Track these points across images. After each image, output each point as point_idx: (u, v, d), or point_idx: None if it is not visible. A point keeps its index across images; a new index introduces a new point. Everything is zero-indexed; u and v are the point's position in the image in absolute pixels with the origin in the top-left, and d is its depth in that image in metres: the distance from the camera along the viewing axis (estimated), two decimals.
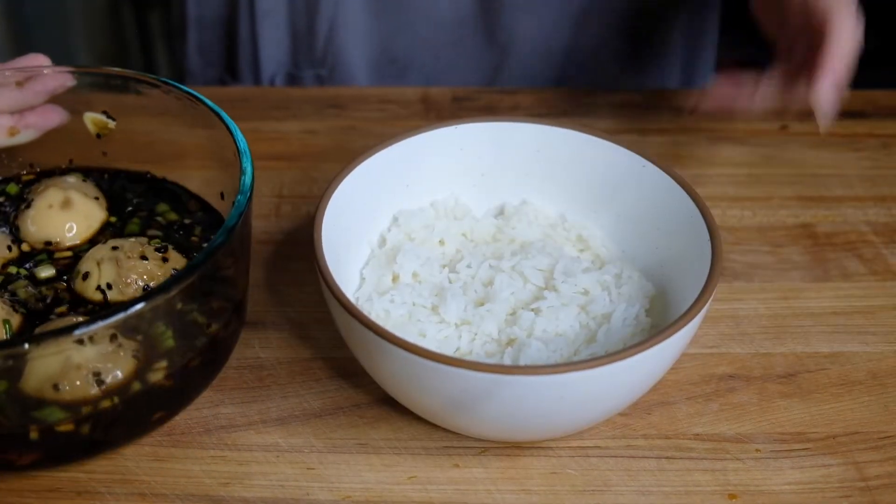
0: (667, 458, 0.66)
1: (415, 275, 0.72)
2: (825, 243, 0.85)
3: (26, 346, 0.54)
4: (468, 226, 0.77)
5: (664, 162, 0.73)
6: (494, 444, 0.67)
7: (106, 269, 0.67)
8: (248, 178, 0.65)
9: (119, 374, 0.59)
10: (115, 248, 0.68)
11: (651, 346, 0.58)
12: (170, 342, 0.60)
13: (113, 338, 0.57)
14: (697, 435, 0.68)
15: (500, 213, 0.79)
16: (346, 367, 0.72)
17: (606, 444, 0.67)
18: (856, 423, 0.69)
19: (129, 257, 0.67)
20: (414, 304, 0.68)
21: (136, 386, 0.60)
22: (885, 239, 0.85)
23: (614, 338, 0.66)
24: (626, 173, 0.74)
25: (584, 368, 0.56)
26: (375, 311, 0.68)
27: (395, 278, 0.72)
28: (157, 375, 0.60)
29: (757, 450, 0.67)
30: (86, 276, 0.67)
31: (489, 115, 0.89)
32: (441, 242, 0.75)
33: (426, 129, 0.76)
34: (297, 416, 0.69)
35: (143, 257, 0.67)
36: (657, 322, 0.69)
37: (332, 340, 0.74)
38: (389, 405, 0.69)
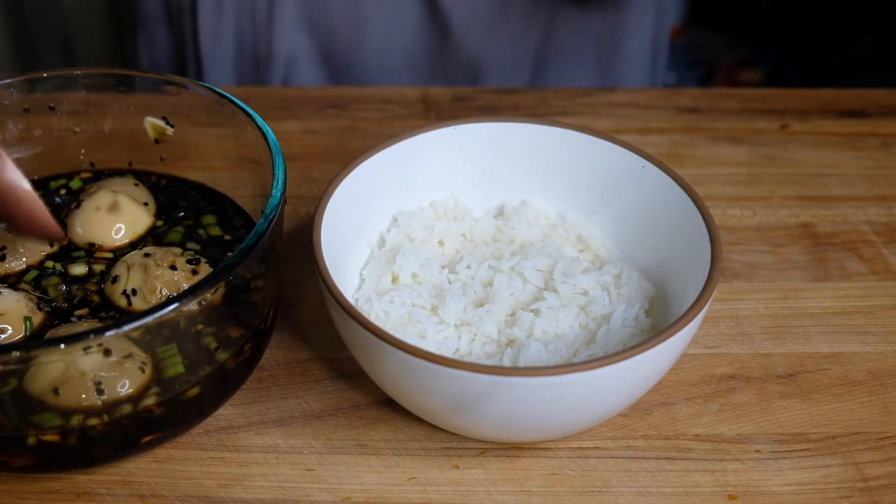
0: (666, 458, 0.66)
1: (414, 275, 0.71)
2: (825, 243, 0.85)
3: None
4: (468, 226, 0.76)
5: (664, 162, 0.73)
6: (494, 445, 0.67)
7: (134, 275, 0.66)
8: (274, 200, 0.64)
9: (121, 388, 0.58)
10: (147, 254, 0.67)
11: (651, 347, 0.58)
12: (179, 367, 0.60)
13: (107, 353, 0.57)
14: (697, 435, 0.68)
15: (500, 213, 0.79)
16: (345, 368, 0.72)
17: (606, 444, 0.67)
18: (856, 424, 0.69)
19: (158, 265, 0.66)
20: (413, 305, 0.68)
21: (127, 408, 0.59)
22: (886, 239, 0.85)
23: (614, 338, 0.66)
24: (626, 173, 0.74)
25: (583, 370, 0.56)
26: (375, 312, 0.68)
27: (394, 279, 0.72)
28: (149, 401, 0.60)
29: (757, 450, 0.67)
30: (115, 279, 0.67)
31: (489, 115, 0.89)
32: (440, 243, 0.75)
33: (426, 129, 0.75)
34: (296, 417, 0.69)
35: (173, 267, 0.66)
36: (657, 322, 0.69)
37: (332, 341, 0.74)
38: (389, 406, 0.69)
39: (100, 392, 0.57)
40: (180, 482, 0.64)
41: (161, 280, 0.66)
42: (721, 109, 1.02)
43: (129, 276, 0.66)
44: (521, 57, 1.12)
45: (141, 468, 0.65)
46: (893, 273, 0.82)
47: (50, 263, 0.70)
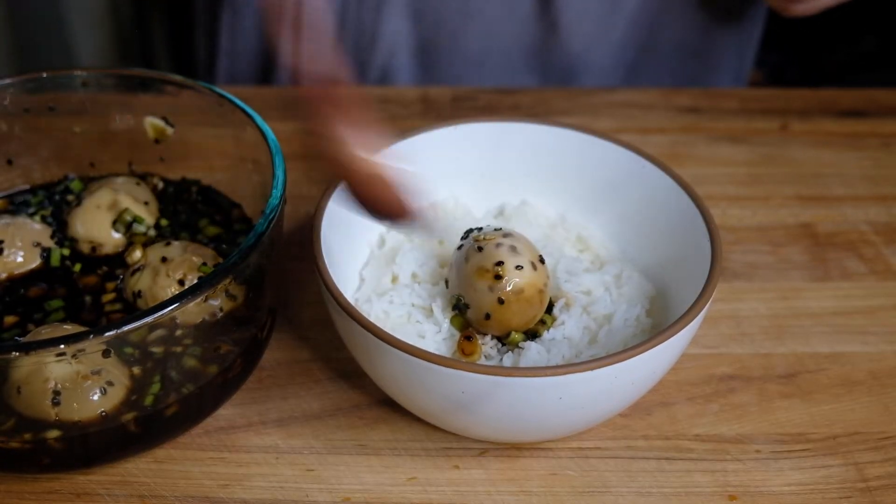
0: (666, 458, 0.66)
1: (414, 276, 0.71)
2: (825, 243, 0.85)
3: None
4: (468, 226, 0.76)
5: (664, 162, 0.73)
6: (494, 446, 0.67)
7: (145, 277, 0.66)
8: (273, 201, 0.64)
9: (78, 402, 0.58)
10: (164, 258, 0.67)
11: (651, 347, 0.57)
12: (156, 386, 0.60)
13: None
14: (697, 436, 0.68)
15: (500, 213, 0.79)
16: (345, 369, 0.72)
17: (606, 444, 0.67)
18: (856, 424, 0.69)
19: (167, 276, 0.66)
20: (413, 305, 0.68)
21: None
22: (886, 238, 0.85)
23: (615, 338, 0.66)
24: (626, 173, 0.74)
25: (583, 370, 0.56)
26: (374, 313, 0.68)
27: (394, 279, 0.72)
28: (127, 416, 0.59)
29: (757, 450, 0.67)
30: (134, 271, 0.67)
31: (489, 115, 0.89)
32: (440, 243, 0.75)
33: (426, 130, 0.75)
34: (296, 418, 0.69)
35: (181, 282, 0.65)
36: (658, 322, 0.69)
37: (332, 341, 0.74)
38: (389, 406, 0.69)
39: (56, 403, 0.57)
40: (180, 482, 0.64)
41: (165, 292, 0.65)
42: (721, 109, 1.02)
43: (140, 277, 0.66)
44: (618, 62, 1.12)
45: (140, 468, 0.65)
46: (893, 273, 0.82)
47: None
